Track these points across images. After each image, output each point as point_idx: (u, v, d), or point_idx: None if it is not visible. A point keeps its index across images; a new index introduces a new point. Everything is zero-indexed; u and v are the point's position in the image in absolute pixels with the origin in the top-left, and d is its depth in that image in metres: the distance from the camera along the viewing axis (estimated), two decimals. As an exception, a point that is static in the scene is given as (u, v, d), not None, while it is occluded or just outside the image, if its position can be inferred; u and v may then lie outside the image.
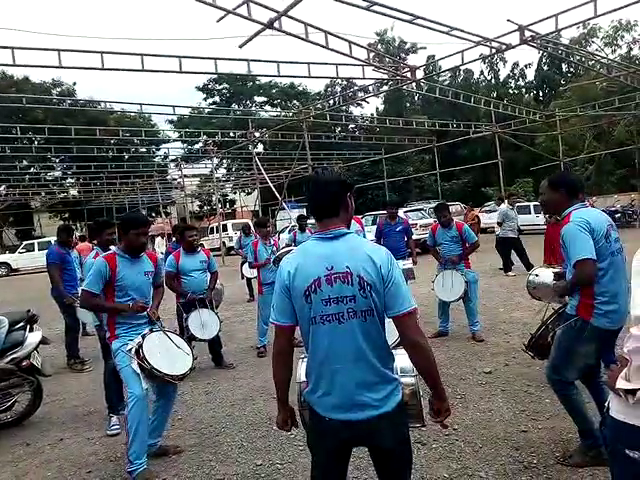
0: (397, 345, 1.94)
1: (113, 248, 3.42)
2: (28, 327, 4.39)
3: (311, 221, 12.41)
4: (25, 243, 25.59)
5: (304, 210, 16.26)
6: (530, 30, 9.09)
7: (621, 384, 1.46)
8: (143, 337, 3.20)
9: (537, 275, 4.54)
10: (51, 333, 7.22)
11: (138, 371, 3.10)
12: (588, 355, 2.77)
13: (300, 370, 2.01)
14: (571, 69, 35.88)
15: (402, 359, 1.92)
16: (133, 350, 3.12)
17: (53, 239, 19.66)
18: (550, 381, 2.97)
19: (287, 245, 8.26)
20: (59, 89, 32.14)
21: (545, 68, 38.03)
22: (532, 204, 20.06)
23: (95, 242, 4.82)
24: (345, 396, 1.76)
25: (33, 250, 23.75)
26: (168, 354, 3.26)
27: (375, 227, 7.89)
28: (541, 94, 38.40)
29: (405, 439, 1.86)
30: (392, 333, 1.84)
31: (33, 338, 4.33)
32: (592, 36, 29.65)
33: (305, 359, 1.97)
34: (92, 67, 8.10)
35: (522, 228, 19.21)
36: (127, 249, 3.32)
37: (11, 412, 4.30)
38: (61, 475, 3.36)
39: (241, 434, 3.70)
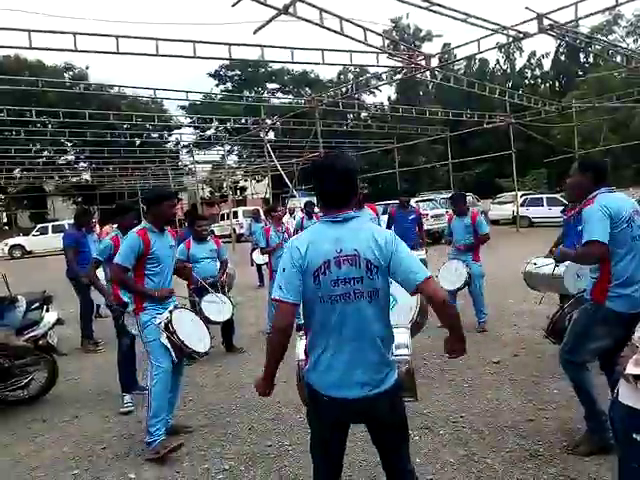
0: (413, 326, 2.00)
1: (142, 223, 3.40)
2: (44, 307, 4.51)
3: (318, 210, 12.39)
4: (39, 226, 25.88)
5: (314, 198, 16.19)
6: (549, 18, 8.92)
7: (630, 369, 1.49)
8: (170, 312, 3.27)
9: (535, 264, 4.54)
10: (64, 314, 7.33)
11: (168, 345, 3.16)
12: (600, 337, 2.79)
13: (299, 348, 2.05)
14: (589, 60, 35.17)
15: (398, 336, 2.00)
16: (162, 324, 3.18)
17: (67, 222, 19.95)
18: (561, 360, 3.01)
19: (296, 232, 8.30)
20: (71, 72, 32.25)
21: (562, 58, 37.32)
22: (545, 196, 19.82)
23: (115, 225, 4.88)
24: (346, 374, 1.81)
25: (47, 233, 24.03)
26: (193, 330, 3.36)
27: (386, 216, 7.87)
28: (557, 85, 37.73)
29: (401, 413, 1.93)
30: (403, 314, 1.89)
31: (49, 318, 4.44)
32: (615, 23, 28.93)
33: (303, 338, 2.01)
34: (107, 51, 8.14)
35: (534, 221, 19.16)
36: (157, 222, 3.33)
37: (28, 389, 4.41)
38: (77, 450, 3.46)
39: (250, 416, 3.77)
